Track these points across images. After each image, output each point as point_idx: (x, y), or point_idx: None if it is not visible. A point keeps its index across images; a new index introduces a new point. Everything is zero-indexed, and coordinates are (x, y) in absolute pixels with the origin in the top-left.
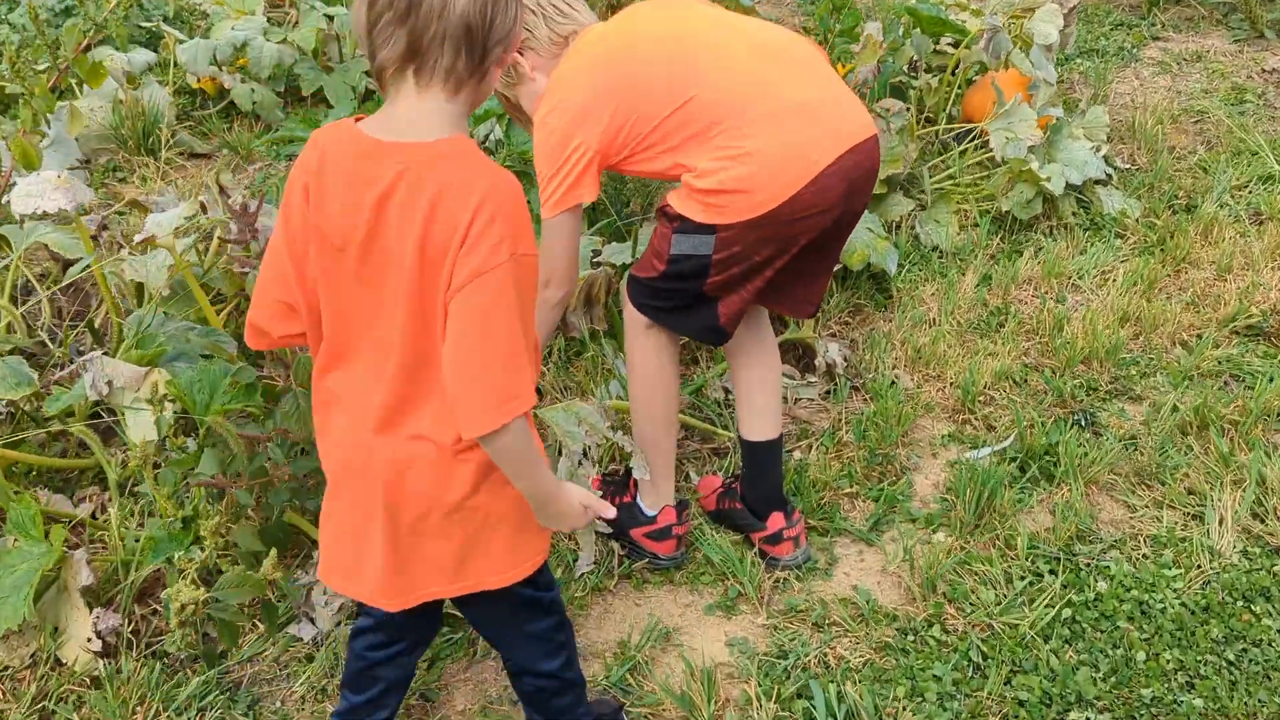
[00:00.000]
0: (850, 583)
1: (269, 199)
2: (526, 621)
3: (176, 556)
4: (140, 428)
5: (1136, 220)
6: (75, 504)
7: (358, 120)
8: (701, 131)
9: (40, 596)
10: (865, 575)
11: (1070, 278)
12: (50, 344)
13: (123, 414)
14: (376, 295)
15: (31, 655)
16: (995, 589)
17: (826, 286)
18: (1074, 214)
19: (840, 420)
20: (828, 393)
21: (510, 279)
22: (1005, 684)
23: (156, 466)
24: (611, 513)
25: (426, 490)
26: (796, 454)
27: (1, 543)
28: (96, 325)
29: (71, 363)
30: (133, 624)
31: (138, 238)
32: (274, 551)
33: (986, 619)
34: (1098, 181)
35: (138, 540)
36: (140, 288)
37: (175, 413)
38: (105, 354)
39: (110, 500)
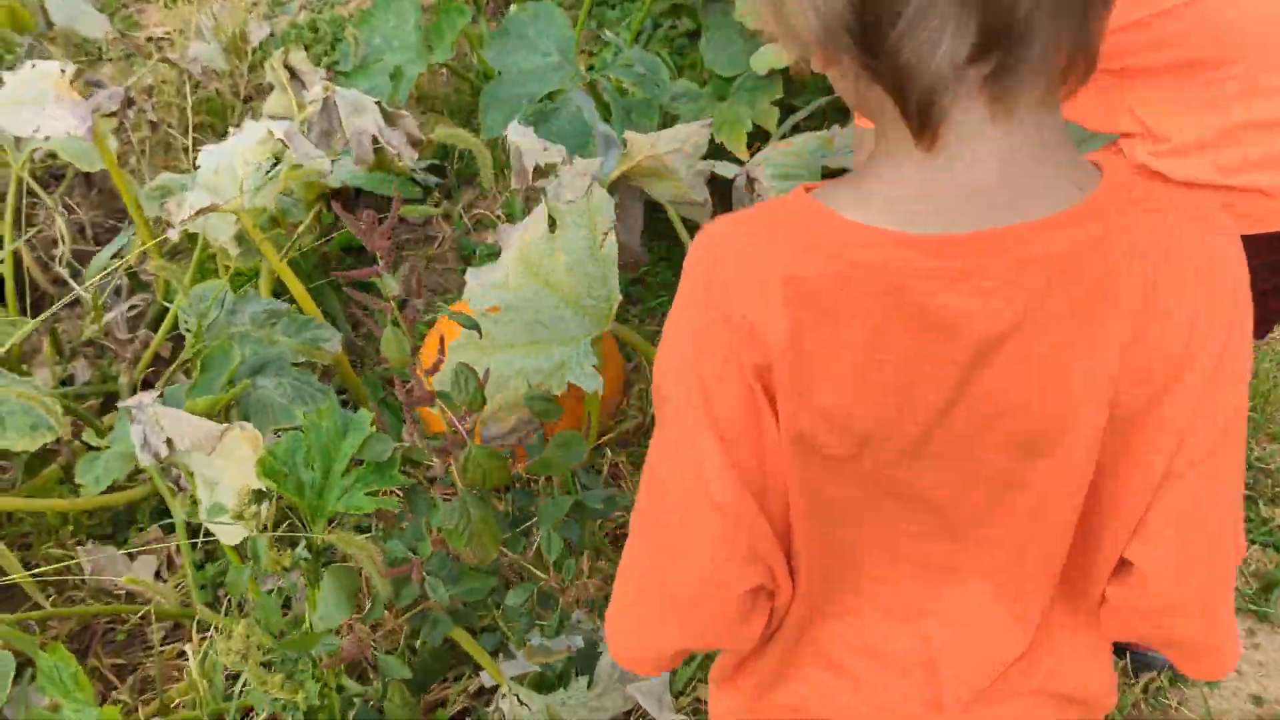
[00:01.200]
0: (1248, 690)
1: (347, 58)
2: None
3: None
4: (223, 529)
5: None
6: (132, 557)
7: (808, 190)
8: (1183, 65)
9: None
10: (1267, 674)
11: None
12: (72, 283)
13: (191, 478)
14: (925, 500)
15: None
16: None
17: None
18: None
19: None
20: None
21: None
22: None
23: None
24: None
25: None
26: None
27: (34, 705)
28: (132, 265)
29: (106, 308)
30: None
31: (191, 202)
32: None
33: None
34: None
35: (232, 688)
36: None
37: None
38: (162, 393)
39: (178, 549)
